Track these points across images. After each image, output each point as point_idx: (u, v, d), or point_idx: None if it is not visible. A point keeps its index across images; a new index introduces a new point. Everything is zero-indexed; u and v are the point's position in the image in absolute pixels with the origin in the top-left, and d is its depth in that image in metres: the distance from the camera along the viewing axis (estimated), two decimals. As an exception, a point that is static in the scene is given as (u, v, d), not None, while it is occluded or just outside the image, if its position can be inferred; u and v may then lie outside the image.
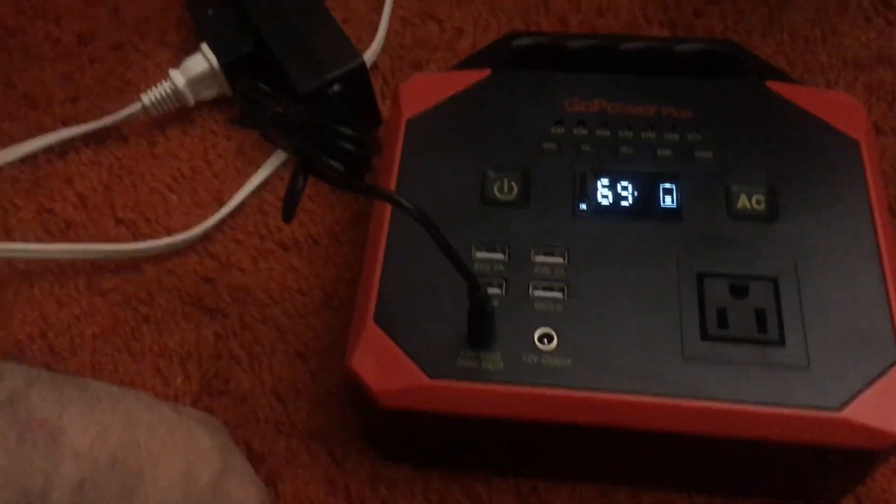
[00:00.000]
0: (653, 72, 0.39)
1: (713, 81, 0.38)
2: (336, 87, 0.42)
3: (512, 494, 0.35)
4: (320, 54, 0.42)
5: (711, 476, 0.34)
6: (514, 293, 0.33)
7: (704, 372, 0.30)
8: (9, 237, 0.43)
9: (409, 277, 0.33)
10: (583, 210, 0.35)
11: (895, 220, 0.38)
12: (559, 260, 0.33)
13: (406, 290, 0.33)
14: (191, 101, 0.45)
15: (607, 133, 0.37)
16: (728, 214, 0.34)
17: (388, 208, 0.35)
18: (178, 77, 0.44)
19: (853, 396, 0.30)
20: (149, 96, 0.44)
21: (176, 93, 0.44)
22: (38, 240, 0.43)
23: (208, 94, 0.46)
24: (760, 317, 0.32)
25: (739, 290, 0.32)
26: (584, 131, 0.37)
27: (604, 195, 0.35)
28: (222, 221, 0.43)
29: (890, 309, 0.31)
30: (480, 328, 0.31)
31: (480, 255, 0.34)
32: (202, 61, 0.44)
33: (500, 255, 0.34)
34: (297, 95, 0.41)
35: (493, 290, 0.33)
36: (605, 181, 0.35)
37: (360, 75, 0.42)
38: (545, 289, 0.33)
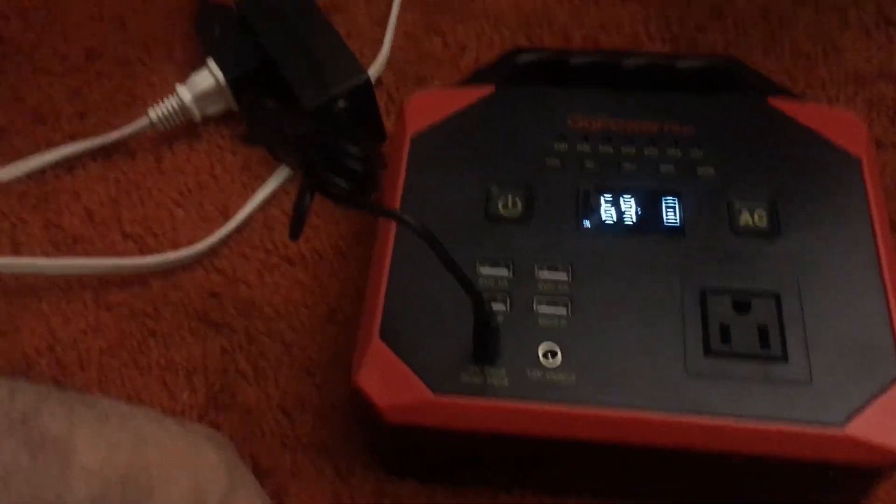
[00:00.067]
0: (655, 88, 0.39)
1: (715, 97, 0.38)
2: (341, 103, 0.42)
3: (516, 509, 0.35)
4: (326, 70, 0.42)
5: (714, 491, 0.34)
6: (519, 309, 0.33)
7: (707, 388, 0.31)
8: (17, 252, 0.43)
9: (414, 293, 0.33)
10: (586, 226, 0.35)
11: (897, 236, 0.38)
12: (563, 276, 0.33)
13: (411, 306, 0.33)
14: (197, 116, 0.45)
15: (610, 149, 0.37)
16: (730, 230, 0.34)
17: (394, 224, 0.35)
18: (185, 92, 0.44)
19: (856, 412, 0.30)
20: (156, 111, 0.45)
21: (183, 108, 0.45)
22: (46, 254, 0.43)
23: (215, 109, 0.46)
24: (763, 332, 0.32)
25: (742, 306, 0.32)
26: (588, 147, 0.37)
27: (607, 211, 0.35)
28: (228, 236, 0.43)
29: (892, 324, 0.32)
30: (485, 344, 0.31)
31: (485, 270, 0.34)
32: (209, 77, 0.45)
33: (504, 271, 0.34)
34: (302, 111, 0.41)
35: (497, 306, 0.33)
36: (609, 197, 0.35)
37: (366, 91, 0.43)
38: (549, 304, 0.33)
